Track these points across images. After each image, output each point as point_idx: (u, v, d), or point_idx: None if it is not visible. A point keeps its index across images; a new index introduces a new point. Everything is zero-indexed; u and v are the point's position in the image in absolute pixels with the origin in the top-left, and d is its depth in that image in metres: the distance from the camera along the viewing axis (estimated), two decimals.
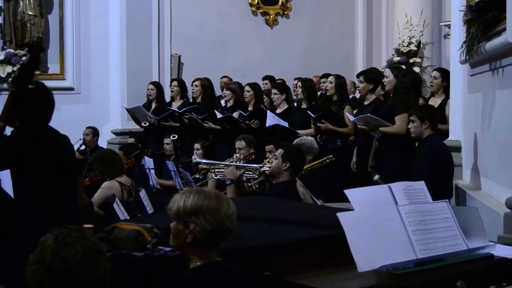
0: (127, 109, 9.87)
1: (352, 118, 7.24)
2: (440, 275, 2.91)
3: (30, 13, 10.58)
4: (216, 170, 6.88)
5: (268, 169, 6.22)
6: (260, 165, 6.50)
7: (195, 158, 7.35)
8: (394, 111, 6.79)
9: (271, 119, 8.02)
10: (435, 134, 6.31)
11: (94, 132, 9.66)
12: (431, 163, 6.04)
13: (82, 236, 2.38)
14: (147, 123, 9.46)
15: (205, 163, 7.18)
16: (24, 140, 4.01)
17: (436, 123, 6.42)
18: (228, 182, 6.01)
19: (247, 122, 8.34)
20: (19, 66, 9.70)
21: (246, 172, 6.47)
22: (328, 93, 8.21)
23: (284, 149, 5.85)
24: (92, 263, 2.32)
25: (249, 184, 6.45)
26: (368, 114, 6.97)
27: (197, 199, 2.76)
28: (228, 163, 6.65)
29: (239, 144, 7.37)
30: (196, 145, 8.20)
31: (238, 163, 6.47)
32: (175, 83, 9.90)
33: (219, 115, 8.59)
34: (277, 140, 6.97)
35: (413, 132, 6.28)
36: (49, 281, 2.28)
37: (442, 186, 5.95)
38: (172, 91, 9.86)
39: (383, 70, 9.90)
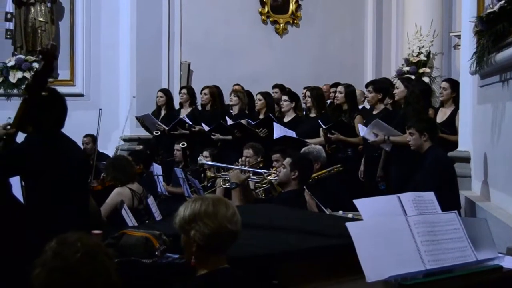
0: (136, 117, 9.89)
1: (362, 133, 7.21)
2: (448, 287, 2.91)
3: (41, 19, 10.62)
4: (224, 178, 6.88)
5: (274, 176, 6.22)
6: (265, 171, 6.49)
7: (201, 159, 7.32)
8: (407, 121, 6.76)
9: (278, 131, 8.01)
10: (435, 145, 6.26)
11: (93, 140, 9.61)
12: (436, 176, 5.99)
13: (85, 236, 2.39)
14: (158, 132, 9.49)
15: (210, 165, 7.17)
16: (37, 147, 4.01)
17: (435, 134, 6.37)
18: (233, 186, 6.00)
19: (256, 130, 8.35)
20: (32, 73, 9.73)
21: (252, 178, 6.46)
22: (338, 102, 8.20)
23: (292, 158, 5.84)
24: (94, 261, 2.32)
25: (256, 191, 6.44)
26: (377, 119, 6.98)
27: (195, 207, 2.77)
28: (233, 166, 6.64)
29: (247, 152, 7.37)
30: (205, 153, 8.20)
31: (243, 167, 6.46)
32: (184, 90, 9.92)
33: (229, 122, 8.60)
34: (284, 149, 6.98)
35: (412, 145, 6.23)
36: (51, 281, 2.28)
37: (450, 197, 5.91)
38: (181, 99, 9.89)
39: (393, 80, 9.92)
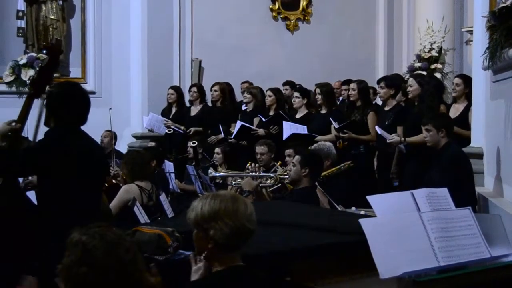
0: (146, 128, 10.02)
1: (380, 131, 7.18)
2: (462, 283, 2.90)
3: (53, 17, 10.64)
4: (236, 180, 6.88)
5: (283, 175, 6.21)
6: (276, 174, 6.48)
7: (211, 172, 7.27)
8: (420, 119, 6.73)
9: (287, 130, 8.01)
10: (452, 141, 6.25)
11: (111, 136, 9.62)
12: (452, 173, 5.96)
13: (122, 233, 2.43)
14: (171, 130, 9.55)
15: (220, 176, 7.12)
16: (51, 146, 3.99)
17: (452, 130, 6.35)
18: (246, 194, 5.99)
19: (264, 131, 8.35)
20: (37, 68, 9.73)
21: (264, 182, 6.45)
22: (352, 99, 8.15)
23: (301, 155, 5.83)
24: (138, 257, 2.37)
25: (268, 190, 6.42)
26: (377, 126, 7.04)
27: (214, 204, 2.75)
28: (244, 174, 6.61)
29: (262, 149, 7.36)
30: (217, 150, 8.20)
31: (254, 174, 6.45)
32: (194, 89, 9.97)
33: (238, 123, 8.62)
34: (297, 144, 6.98)
35: (429, 142, 6.21)
36: (102, 282, 2.28)
37: (466, 194, 5.87)
38: (191, 97, 9.94)
39: (404, 77, 9.87)
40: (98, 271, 2.28)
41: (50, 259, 2.49)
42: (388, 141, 6.98)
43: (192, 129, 9.53)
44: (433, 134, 6.16)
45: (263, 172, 6.62)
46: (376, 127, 7.29)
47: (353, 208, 5.49)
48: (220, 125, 9.04)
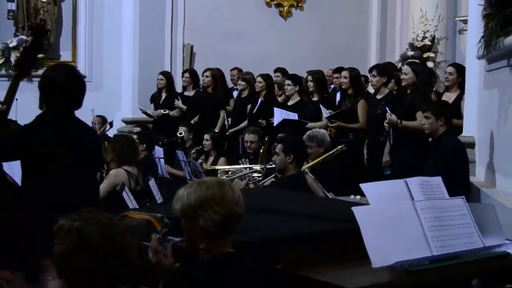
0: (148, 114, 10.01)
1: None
2: (455, 273, 2.88)
3: (44, 0, 10.55)
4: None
5: (270, 165, 6.20)
6: (261, 166, 6.46)
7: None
8: (415, 107, 6.69)
9: (278, 117, 7.99)
10: (449, 130, 6.22)
11: (102, 122, 9.56)
12: (449, 162, 5.93)
13: (116, 217, 2.41)
14: (166, 110, 9.55)
15: None
16: (42, 131, 3.89)
17: (451, 119, 6.33)
18: None
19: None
20: (21, 49, 9.62)
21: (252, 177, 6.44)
22: (344, 87, 8.11)
23: (283, 143, 5.82)
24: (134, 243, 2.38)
25: (260, 185, 6.40)
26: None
27: (200, 192, 2.70)
28: (233, 176, 6.57)
29: (252, 137, 7.36)
30: (206, 136, 8.16)
31: (239, 174, 6.43)
32: (186, 74, 9.96)
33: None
34: (288, 132, 7.00)
35: (427, 129, 6.18)
36: (101, 266, 2.25)
37: (462, 183, 5.84)
38: (184, 82, 9.91)
39: (397, 65, 9.84)
40: (96, 255, 2.25)
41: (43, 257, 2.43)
42: (387, 114, 6.92)
43: (176, 111, 9.59)
44: (431, 122, 6.12)
45: (252, 160, 6.62)
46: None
47: (352, 197, 5.44)
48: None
